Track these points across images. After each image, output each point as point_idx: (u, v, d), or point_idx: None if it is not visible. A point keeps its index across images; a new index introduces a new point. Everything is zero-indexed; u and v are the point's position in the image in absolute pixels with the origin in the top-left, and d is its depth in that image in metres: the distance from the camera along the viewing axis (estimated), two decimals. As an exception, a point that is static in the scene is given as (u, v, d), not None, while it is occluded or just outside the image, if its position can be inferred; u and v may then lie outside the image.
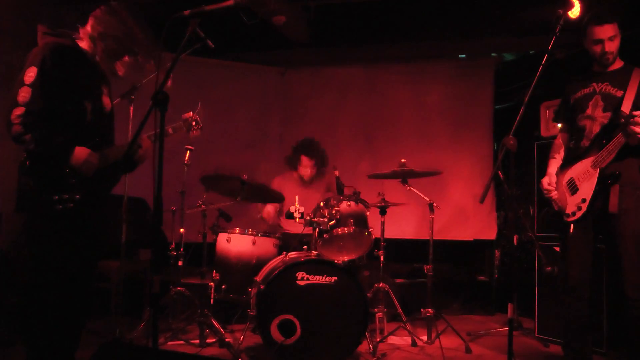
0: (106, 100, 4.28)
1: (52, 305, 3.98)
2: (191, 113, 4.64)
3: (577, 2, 4.25)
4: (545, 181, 4.87)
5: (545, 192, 4.84)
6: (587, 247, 4.62)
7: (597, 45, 4.57)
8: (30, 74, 3.89)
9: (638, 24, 6.12)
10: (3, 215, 6.43)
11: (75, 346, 4.21)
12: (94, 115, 4.14)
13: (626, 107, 4.39)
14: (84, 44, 4.15)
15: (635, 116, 4.17)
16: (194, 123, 4.64)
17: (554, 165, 4.94)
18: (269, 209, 7.09)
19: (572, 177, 4.66)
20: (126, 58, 4.18)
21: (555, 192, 4.78)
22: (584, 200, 4.53)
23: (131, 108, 5.89)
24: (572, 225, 4.64)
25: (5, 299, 6.19)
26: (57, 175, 3.95)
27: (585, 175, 4.54)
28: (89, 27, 4.14)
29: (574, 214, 4.61)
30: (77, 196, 3.97)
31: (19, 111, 3.84)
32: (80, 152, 3.96)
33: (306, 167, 7.08)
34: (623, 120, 4.29)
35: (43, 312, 3.99)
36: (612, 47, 4.54)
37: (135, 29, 4.14)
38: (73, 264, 4.07)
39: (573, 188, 4.63)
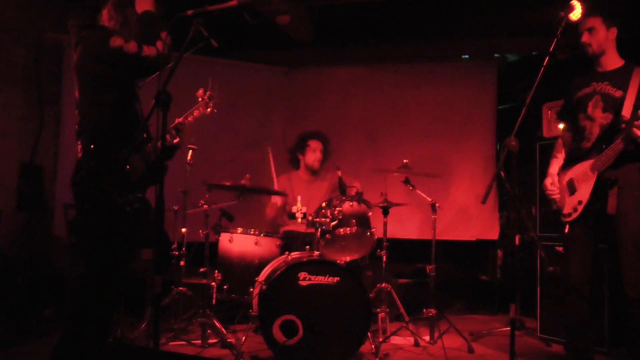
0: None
1: (100, 294, 4.12)
2: (202, 90, 4.68)
3: (579, 4, 4.26)
4: (547, 182, 4.87)
5: (549, 192, 4.85)
6: (587, 246, 4.63)
7: (580, 36, 4.66)
8: (117, 41, 4.02)
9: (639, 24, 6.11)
10: (3, 214, 6.45)
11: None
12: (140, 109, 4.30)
13: (627, 109, 4.40)
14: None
15: (638, 119, 4.18)
16: (207, 99, 4.70)
17: (555, 164, 4.95)
18: (275, 200, 7.05)
19: (571, 178, 4.68)
20: (164, 34, 4.20)
21: (558, 194, 4.79)
22: (580, 202, 4.56)
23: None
24: (567, 226, 4.67)
25: (4, 299, 6.22)
26: (120, 176, 4.04)
27: (584, 177, 4.55)
28: (109, 18, 4.22)
29: (570, 214, 4.65)
30: (140, 195, 4.05)
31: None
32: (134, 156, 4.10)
33: (315, 151, 7.03)
34: (624, 125, 4.30)
35: (92, 301, 4.11)
36: (590, 39, 4.61)
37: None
38: (121, 254, 4.24)
39: (572, 189, 4.66)
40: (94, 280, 4.10)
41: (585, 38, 4.61)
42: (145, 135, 4.18)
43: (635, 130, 4.19)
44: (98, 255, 4.12)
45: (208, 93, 4.72)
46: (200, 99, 4.69)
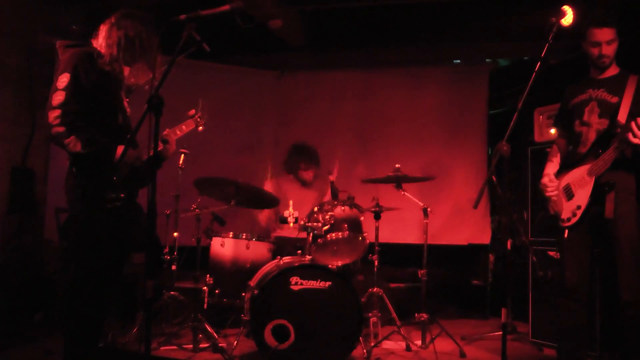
0: (126, 104, 4.43)
1: (92, 297, 4.13)
2: (194, 110, 4.73)
3: (570, 10, 4.27)
4: (545, 180, 4.85)
5: (548, 189, 4.81)
6: (584, 250, 4.65)
7: (595, 47, 4.61)
8: (64, 79, 4.05)
9: (633, 30, 6.13)
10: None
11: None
12: (123, 116, 4.33)
13: (622, 115, 4.42)
14: (104, 51, 4.26)
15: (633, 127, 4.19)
16: (198, 119, 4.80)
17: (550, 167, 4.94)
18: (266, 214, 7.07)
19: (568, 183, 4.68)
20: (139, 63, 4.30)
21: (556, 191, 4.78)
22: (578, 207, 4.57)
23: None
24: (566, 231, 4.67)
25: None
26: (103, 176, 4.08)
27: (581, 182, 4.56)
28: (101, 37, 4.28)
29: (569, 219, 4.65)
30: (122, 194, 4.08)
31: (55, 113, 3.97)
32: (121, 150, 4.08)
33: (308, 172, 7.12)
34: (619, 130, 4.31)
35: (84, 304, 4.12)
36: (609, 50, 4.58)
37: (148, 34, 4.27)
38: (113, 258, 4.27)
39: (569, 194, 4.66)
40: (84, 284, 4.11)
41: (605, 51, 4.58)
42: (128, 139, 4.18)
43: (630, 135, 4.20)
44: (87, 257, 4.14)
45: (199, 114, 4.86)
46: (191, 119, 4.79)
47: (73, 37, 4.37)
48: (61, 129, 3.95)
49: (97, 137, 4.04)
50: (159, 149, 4.25)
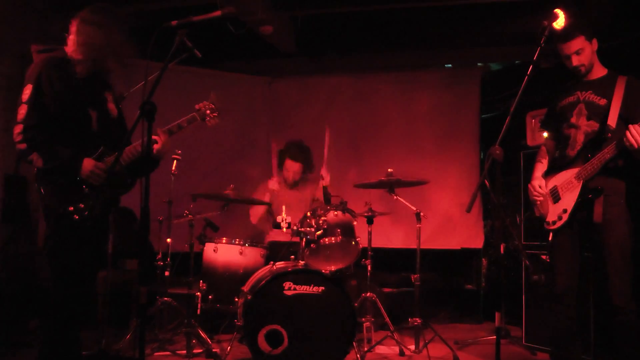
0: (111, 107, 4.35)
1: (63, 309, 4.07)
2: (206, 103, 4.62)
3: (562, 13, 4.26)
4: (536, 184, 4.84)
5: (535, 195, 4.83)
6: (573, 255, 4.63)
7: (567, 60, 4.65)
8: (27, 92, 3.99)
9: (622, 33, 6.16)
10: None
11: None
12: (100, 122, 4.23)
13: (612, 118, 4.41)
14: (74, 53, 4.16)
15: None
16: (208, 111, 4.62)
17: (540, 169, 4.94)
18: (258, 212, 7.07)
19: (555, 186, 4.67)
20: (109, 65, 4.24)
21: (541, 197, 4.79)
22: (565, 211, 4.55)
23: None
24: (550, 234, 4.69)
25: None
26: (70, 186, 4.02)
27: (569, 185, 4.56)
28: (72, 36, 4.16)
29: (554, 222, 4.64)
30: (94, 205, 4.03)
31: (18, 129, 3.94)
32: (87, 164, 4.00)
33: (289, 171, 7.06)
34: (610, 135, 4.33)
35: (57, 315, 4.07)
36: (580, 59, 4.59)
37: (114, 35, 4.18)
38: (85, 271, 4.18)
39: (555, 196, 4.65)
40: (58, 297, 4.08)
41: (576, 62, 4.59)
42: (102, 148, 4.15)
43: (629, 136, 4.21)
44: (57, 269, 4.09)
45: (211, 106, 4.63)
46: (199, 110, 4.56)
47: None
48: (23, 146, 3.93)
49: (60, 150, 3.98)
50: (160, 145, 4.21)
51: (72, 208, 3.98)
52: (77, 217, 3.99)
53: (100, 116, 4.23)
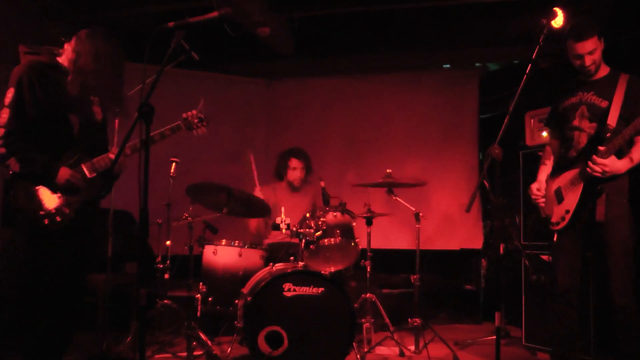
0: (96, 110, 4.34)
1: (42, 318, 4.04)
2: (194, 111, 4.60)
3: (560, 11, 4.25)
4: (534, 187, 4.87)
5: (533, 197, 4.85)
6: (575, 254, 4.64)
7: (577, 60, 4.57)
8: (9, 95, 3.99)
9: (624, 31, 6.16)
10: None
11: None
12: (83, 127, 4.21)
13: (612, 118, 4.40)
14: (64, 59, 4.17)
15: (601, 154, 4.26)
16: (196, 120, 4.59)
17: (544, 171, 4.94)
18: (256, 221, 7.06)
19: (559, 187, 4.68)
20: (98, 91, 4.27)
21: (543, 199, 4.79)
22: (567, 212, 4.56)
23: (116, 121, 5.87)
24: (555, 234, 4.68)
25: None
26: (43, 192, 4.01)
27: (571, 186, 4.56)
28: (71, 46, 4.17)
29: (558, 223, 4.65)
30: (66, 210, 4.01)
31: None
32: (63, 173, 4.00)
33: (296, 170, 7.01)
34: (609, 135, 4.32)
35: (34, 325, 4.05)
36: (592, 60, 4.53)
37: (108, 68, 4.18)
38: (62, 276, 4.12)
39: (559, 197, 4.66)
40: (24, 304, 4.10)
41: (589, 62, 4.52)
42: (77, 156, 4.14)
43: (591, 165, 4.29)
44: (27, 276, 4.10)
45: (199, 115, 4.60)
46: (186, 120, 4.55)
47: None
48: (2, 150, 3.94)
49: (36, 157, 3.99)
50: (120, 160, 4.09)
51: (42, 213, 3.99)
52: (47, 222, 3.99)
53: (83, 121, 4.23)
